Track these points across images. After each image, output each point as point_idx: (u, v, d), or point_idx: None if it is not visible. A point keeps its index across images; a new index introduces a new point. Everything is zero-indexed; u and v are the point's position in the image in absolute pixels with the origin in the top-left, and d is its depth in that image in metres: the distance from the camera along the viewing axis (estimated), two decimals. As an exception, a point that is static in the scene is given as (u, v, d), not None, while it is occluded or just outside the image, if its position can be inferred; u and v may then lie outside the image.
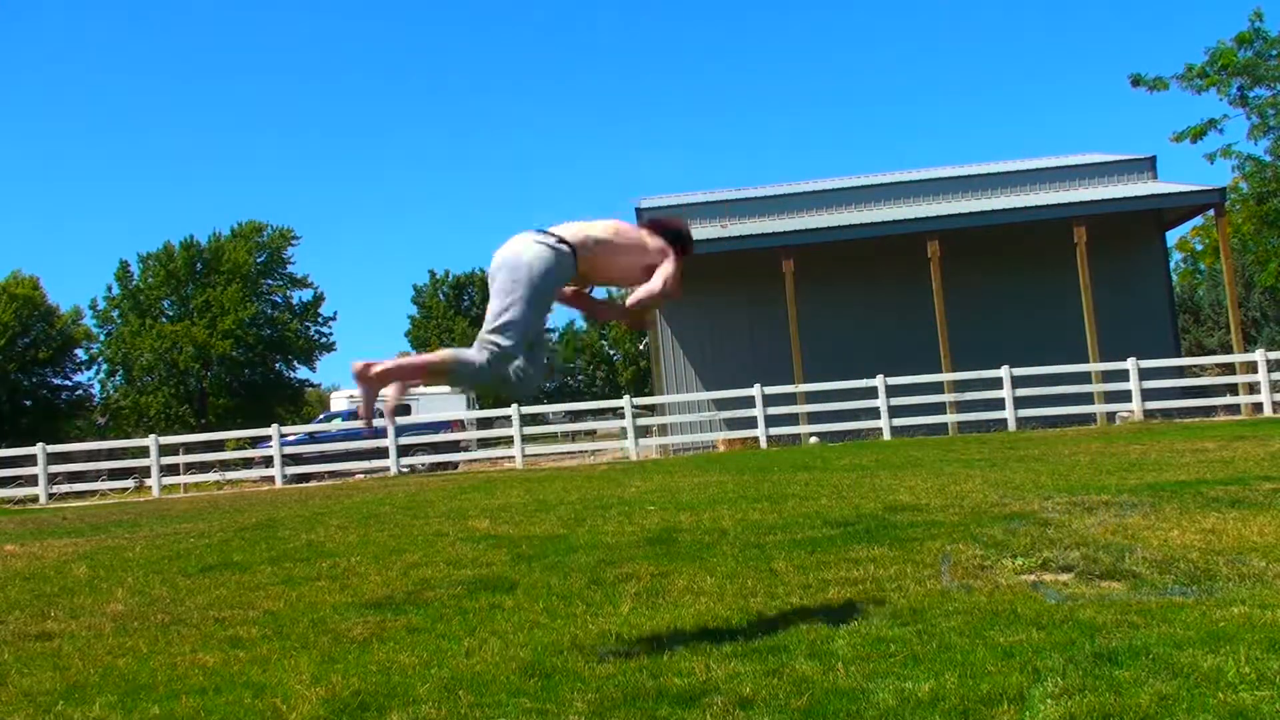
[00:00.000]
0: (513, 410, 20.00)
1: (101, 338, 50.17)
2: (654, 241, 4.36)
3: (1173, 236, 32.81)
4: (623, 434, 21.76)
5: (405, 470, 20.49)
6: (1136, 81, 25.10)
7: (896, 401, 19.46)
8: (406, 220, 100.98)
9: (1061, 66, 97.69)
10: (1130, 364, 19.38)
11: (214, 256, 49.63)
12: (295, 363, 52.37)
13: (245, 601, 5.75)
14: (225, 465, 25.51)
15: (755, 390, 19.53)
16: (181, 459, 22.63)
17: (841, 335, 22.93)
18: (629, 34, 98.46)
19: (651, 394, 24.67)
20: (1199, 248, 39.74)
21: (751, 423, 19.97)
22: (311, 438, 22.84)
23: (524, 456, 19.85)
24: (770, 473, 11.69)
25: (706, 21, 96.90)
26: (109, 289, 49.66)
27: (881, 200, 24.73)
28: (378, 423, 17.28)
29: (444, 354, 4.12)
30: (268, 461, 20.69)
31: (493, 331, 4.02)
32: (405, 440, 21.09)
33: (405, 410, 25.91)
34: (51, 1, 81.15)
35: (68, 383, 50.08)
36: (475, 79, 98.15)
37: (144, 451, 21.38)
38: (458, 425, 24.21)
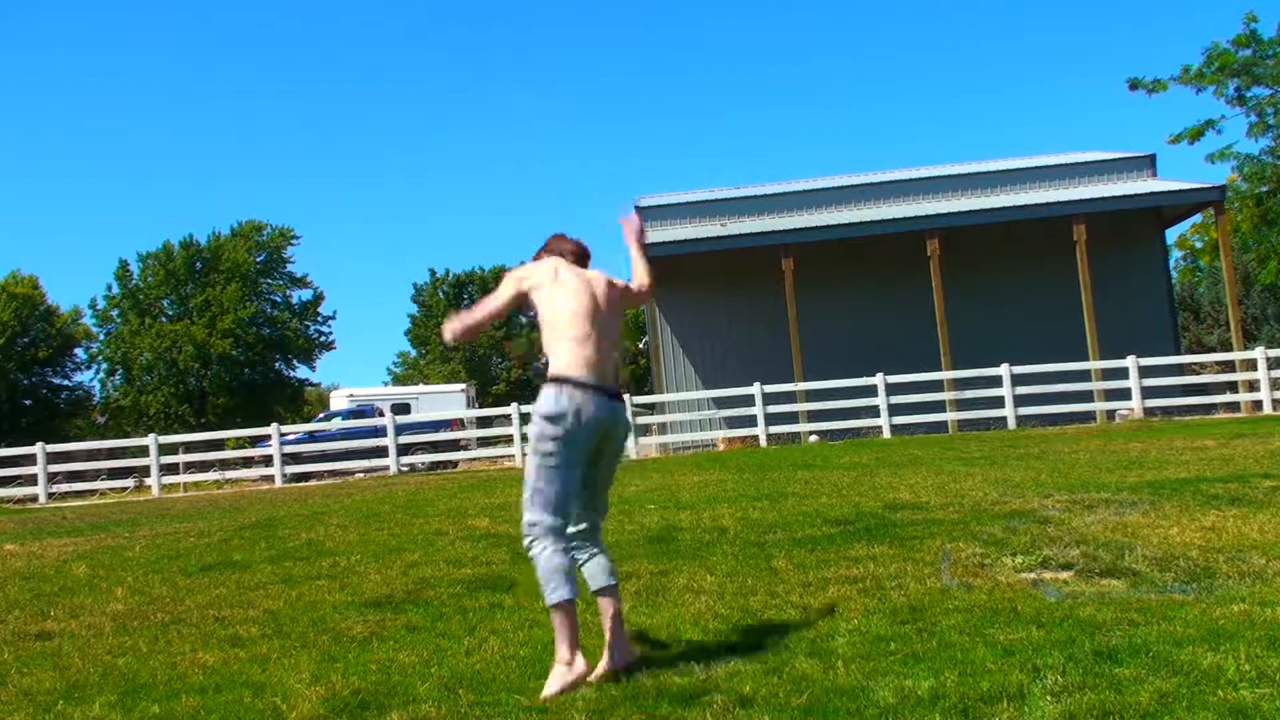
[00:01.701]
0: (512, 409, 19.98)
1: (101, 337, 50.08)
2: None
3: (1172, 234, 32.77)
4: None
5: (405, 469, 20.47)
6: (1135, 85, 25.03)
7: (896, 400, 19.44)
8: (406, 220, 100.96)
9: (1061, 66, 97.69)
10: (1130, 362, 19.37)
11: (214, 256, 49.55)
12: (295, 362, 52.34)
13: (245, 601, 5.76)
14: (225, 464, 25.46)
15: (755, 389, 19.52)
16: (181, 458, 22.60)
17: (841, 334, 22.90)
18: (629, 33, 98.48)
19: (651, 393, 24.62)
20: (1199, 245, 39.63)
21: (751, 421, 19.95)
22: (311, 437, 22.83)
23: (524, 455, 19.79)
24: (770, 471, 11.69)
25: (705, 21, 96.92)
26: (109, 288, 49.53)
27: (881, 198, 24.71)
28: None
29: None
30: (267, 461, 20.67)
31: None
32: (405, 439, 21.06)
33: (405, 409, 25.92)
34: (51, 1, 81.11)
35: (68, 382, 50.06)
36: (475, 78, 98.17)
37: (144, 451, 21.37)
38: (457, 424, 24.19)
